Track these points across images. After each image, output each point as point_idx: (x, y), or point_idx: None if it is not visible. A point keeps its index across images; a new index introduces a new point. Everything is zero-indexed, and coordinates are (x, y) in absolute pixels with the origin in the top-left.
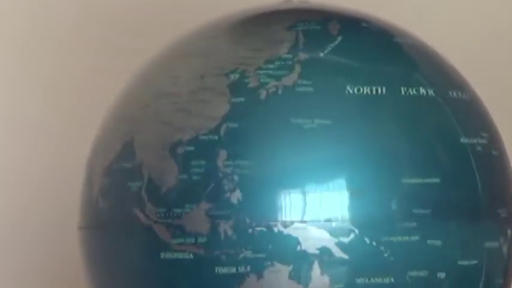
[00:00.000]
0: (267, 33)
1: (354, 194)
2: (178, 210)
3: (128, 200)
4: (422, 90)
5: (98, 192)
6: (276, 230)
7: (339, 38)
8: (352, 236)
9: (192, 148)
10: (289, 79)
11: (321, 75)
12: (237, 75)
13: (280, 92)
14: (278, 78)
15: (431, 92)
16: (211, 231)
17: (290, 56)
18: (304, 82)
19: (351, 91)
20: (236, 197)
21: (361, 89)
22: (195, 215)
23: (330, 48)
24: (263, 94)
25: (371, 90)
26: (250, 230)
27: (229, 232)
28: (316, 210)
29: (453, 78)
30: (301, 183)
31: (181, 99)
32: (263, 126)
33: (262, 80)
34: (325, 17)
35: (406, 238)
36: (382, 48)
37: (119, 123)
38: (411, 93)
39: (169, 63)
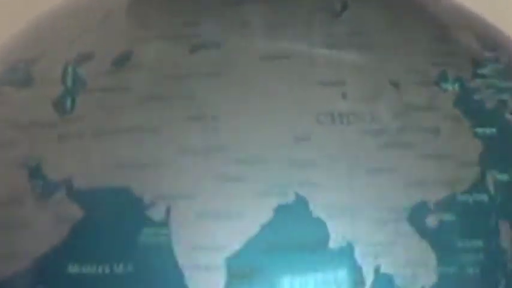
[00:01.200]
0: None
1: None
2: None
3: None
4: None
5: None
6: None
7: None
8: None
9: (451, 218)
10: None
11: None
12: (456, 85)
13: None
14: (509, 92)
15: None
16: None
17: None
18: None
19: None
20: None
21: None
22: None
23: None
24: None
25: None
26: None
27: None
28: None
29: None
30: None
31: (381, 124)
32: None
33: (498, 97)
34: None
35: None
36: None
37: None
38: None
39: (298, 50)
